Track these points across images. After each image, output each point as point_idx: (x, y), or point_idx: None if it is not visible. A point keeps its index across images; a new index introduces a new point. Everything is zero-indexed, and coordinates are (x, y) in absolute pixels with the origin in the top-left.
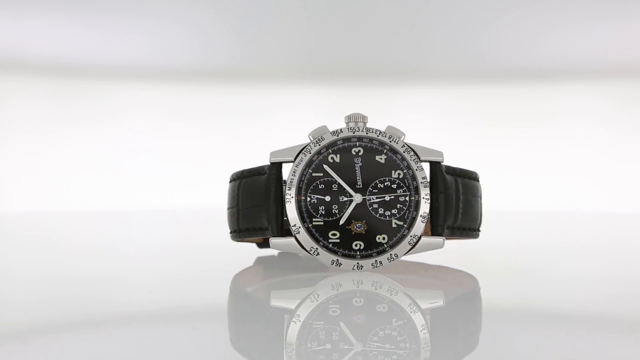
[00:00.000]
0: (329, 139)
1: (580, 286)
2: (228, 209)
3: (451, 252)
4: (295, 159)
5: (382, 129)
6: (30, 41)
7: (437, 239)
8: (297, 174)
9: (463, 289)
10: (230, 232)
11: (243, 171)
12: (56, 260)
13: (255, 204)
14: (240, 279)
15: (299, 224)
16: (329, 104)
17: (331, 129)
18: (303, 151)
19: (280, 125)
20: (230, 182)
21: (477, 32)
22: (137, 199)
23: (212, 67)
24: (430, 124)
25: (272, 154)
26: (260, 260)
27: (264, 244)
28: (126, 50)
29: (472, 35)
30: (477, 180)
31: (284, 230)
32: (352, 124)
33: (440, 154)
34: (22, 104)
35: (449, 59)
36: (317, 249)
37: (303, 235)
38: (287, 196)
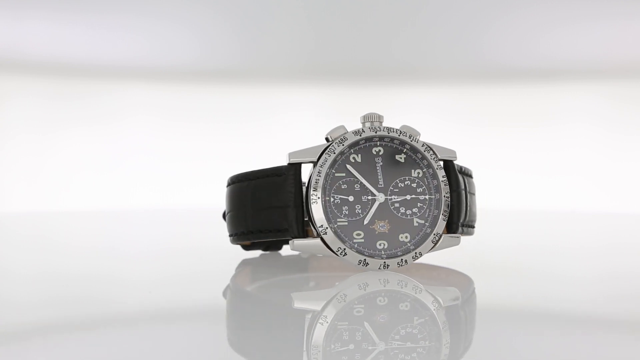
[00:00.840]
0: (351, 139)
1: (580, 286)
2: (230, 211)
3: (451, 251)
4: (319, 159)
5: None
6: (30, 41)
7: (455, 237)
8: (322, 175)
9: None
10: (233, 235)
11: (254, 171)
12: (56, 260)
13: (271, 205)
14: (237, 279)
15: (325, 224)
16: (329, 104)
17: (349, 129)
18: (327, 151)
19: (280, 125)
20: (232, 184)
21: (477, 32)
22: (137, 199)
23: (212, 67)
24: (430, 123)
25: (291, 154)
26: (247, 262)
27: (250, 246)
28: (126, 50)
29: (472, 35)
30: (473, 177)
31: (304, 231)
32: (368, 124)
33: (454, 152)
34: (22, 104)
35: (449, 59)
36: (344, 249)
37: (330, 236)
38: (313, 197)
